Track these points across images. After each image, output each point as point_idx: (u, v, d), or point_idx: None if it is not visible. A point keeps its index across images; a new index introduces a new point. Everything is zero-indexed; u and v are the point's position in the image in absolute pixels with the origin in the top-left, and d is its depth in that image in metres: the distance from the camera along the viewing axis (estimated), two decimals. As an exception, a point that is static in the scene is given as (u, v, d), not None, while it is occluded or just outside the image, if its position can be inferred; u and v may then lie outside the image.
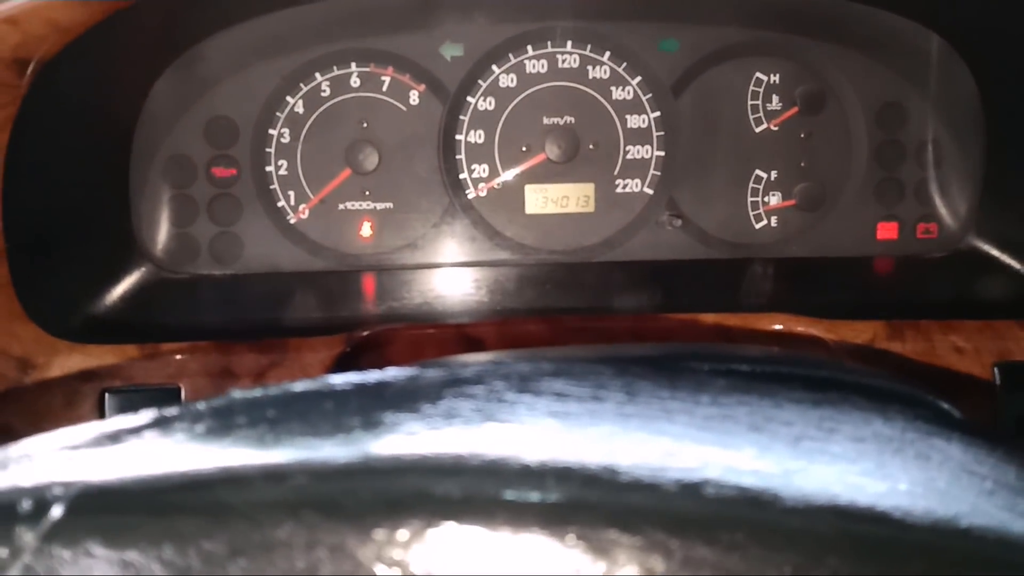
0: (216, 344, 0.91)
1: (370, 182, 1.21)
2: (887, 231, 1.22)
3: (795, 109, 1.21)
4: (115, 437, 0.38)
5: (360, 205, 1.21)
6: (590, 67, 1.21)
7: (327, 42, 1.18)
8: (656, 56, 1.21)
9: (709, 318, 0.99)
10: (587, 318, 1.05)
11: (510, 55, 1.21)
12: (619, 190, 1.23)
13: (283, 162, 1.20)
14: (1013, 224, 1.12)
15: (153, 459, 0.36)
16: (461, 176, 1.22)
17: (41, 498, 0.34)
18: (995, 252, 1.13)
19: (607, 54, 1.21)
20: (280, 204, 1.20)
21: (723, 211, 1.23)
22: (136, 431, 0.39)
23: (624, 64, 1.21)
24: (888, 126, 1.21)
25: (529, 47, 1.21)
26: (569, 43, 1.21)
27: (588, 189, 1.22)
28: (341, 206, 1.21)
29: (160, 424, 0.39)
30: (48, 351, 0.87)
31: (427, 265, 1.21)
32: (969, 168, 1.17)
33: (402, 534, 0.33)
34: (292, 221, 1.20)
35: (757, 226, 1.23)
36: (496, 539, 0.33)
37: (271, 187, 1.19)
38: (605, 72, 1.21)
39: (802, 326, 0.95)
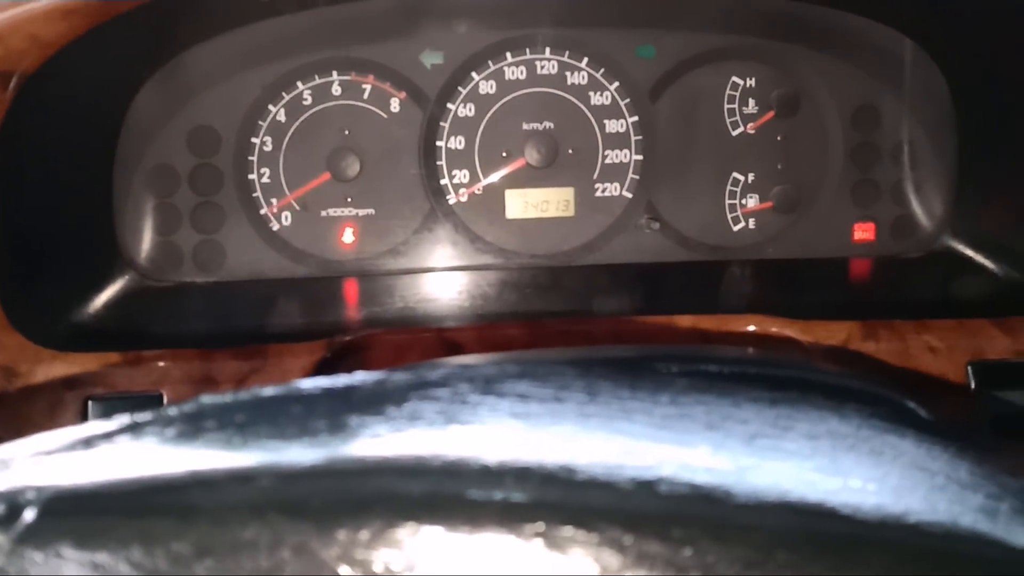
0: (198, 351, 0.92)
1: (352, 189, 1.22)
2: (863, 232, 1.23)
3: (771, 113, 1.23)
4: (88, 442, 0.39)
5: (342, 212, 1.22)
6: (568, 73, 1.22)
7: (308, 51, 1.20)
8: (633, 62, 1.22)
9: (687, 320, 1.00)
10: (567, 321, 1.06)
11: (489, 62, 1.22)
12: (598, 194, 1.24)
13: (265, 170, 1.21)
14: (987, 224, 1.14)
15: (124, 463, 0.37)
16: (442, 182, 1.23)
17: (14, 502, 0.35)
18: (970, 252, 1.14)
19: (585, 60, 1.22)
20: (263, 212, 1.21)
21: (701, 214, 1.24)
22: (108, 436, 0.40)
23: (602, 70, 1.22)
24: (863, 128, 1.23)
25: (508, 54, 1.22)
26: (547, 50, 1.22)
27: (568, 193, 1.24)
28: (323, 213, 1.22)
29: (132, 429, 0.40)
30: (32, 359, 0.87)
31: (409, 271, 1.22)
32: (944, 169, 1.19)
33: (365, 534, 0.34)
34: (275, 228, 1.21)
35: (735, 228, 1.24)
36: (457, 538, 0.35)
37: (254, 195, 1.20)
38: (583, 78, 1.23)
39: (777, 327, 0.96)
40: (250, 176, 1.20)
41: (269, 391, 0.43)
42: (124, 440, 0.39)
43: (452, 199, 1.23)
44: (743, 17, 1.21)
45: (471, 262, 1.23)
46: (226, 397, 0.42)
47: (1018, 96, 1.06)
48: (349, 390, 0.43)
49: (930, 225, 1.21)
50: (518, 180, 1.23)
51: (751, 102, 1.23)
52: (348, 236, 1.22)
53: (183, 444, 0.38)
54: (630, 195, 1.24)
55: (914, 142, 1.22)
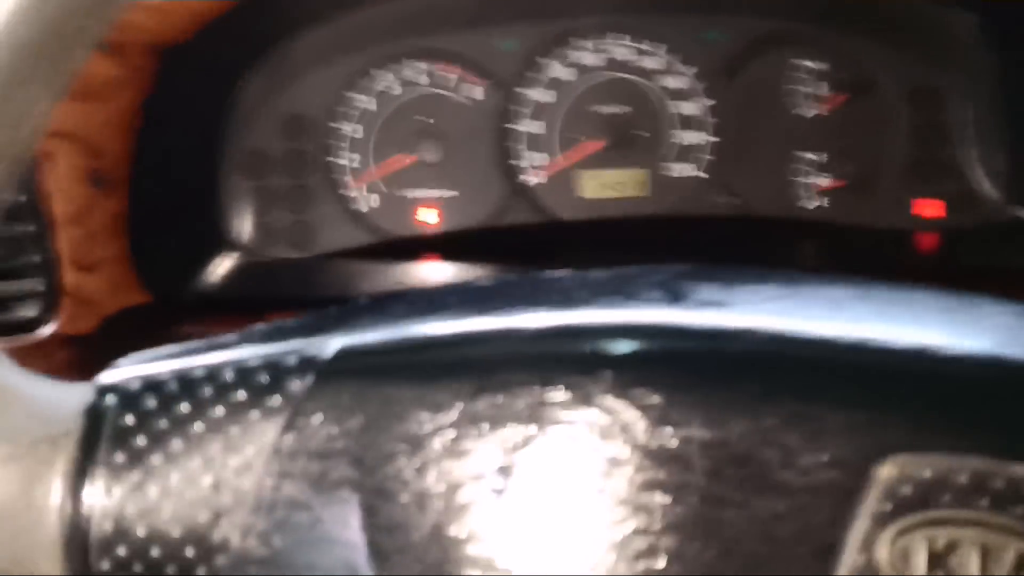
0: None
1: (435, 172, 1.27)
2: (930, 208, 1.27)
3: (840, 95, 1.27)
4: (345, 315, 0.44)
5: (426, 193, 1.27)
6: (643, 58, 1.27)
7: (392, 41, 1.25)
8: (707, 46, 1.27)
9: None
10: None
11: (565, 48, 1.27)
12: (673, 175, 1.28)
13: (354, 155, 1.26)
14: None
15: (391, 326, 0.42)
16: (520, 164, 1.28)
17: (305, 355, 0.40)
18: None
19: (659, 45, 1.27)
20: (351, 194, 1.26)
21: (773, 193, 1.28)
22: (362, 310, 0.44)
23: (676, 54, 1.27)
24: (928, 108, 1.27)
25: (583, 40, 1.27)
26: (622, 35, 1.27)
27: (642, 175, 1.28)
28: (409, 194, 1.27)
29: (380, 305, 0.45)
30: (160, 321, 0.92)
31: (490, 249, 1.27)
32: (1007, 144, 1.23)
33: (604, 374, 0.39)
34: (363, 210, 1.26)
35: (807, 207, 1.28)
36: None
37: (343, 178, 1.26)
38: (658, 63, 1.27)
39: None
40: (339, 161, 1.26)
41: (485, 281, 0.48)
42: (382, 311, 0.43)
43: (529, 180, 1.28)
44: (811, 1, 1.25)
45: (548, 241, 1.28)
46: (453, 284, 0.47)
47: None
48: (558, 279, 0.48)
49: (996, 199, 1.25)
50: (593, 162, 1.28)
51: (820, 84, 1.27)
52: (431, 216, 1.27)
53: (435, 313, 0.43)
54: (705, 175, 1.28)
55: (978, 120, 1.26)
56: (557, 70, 1.27)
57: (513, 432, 0.38)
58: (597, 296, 0.44)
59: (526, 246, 1.28)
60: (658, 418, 0.38)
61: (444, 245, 1.27)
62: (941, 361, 0.40)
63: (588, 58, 1.28)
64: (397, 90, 1.26)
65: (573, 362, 0.39)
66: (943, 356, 0.41)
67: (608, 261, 1.17)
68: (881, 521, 0.38)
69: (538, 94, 1.27)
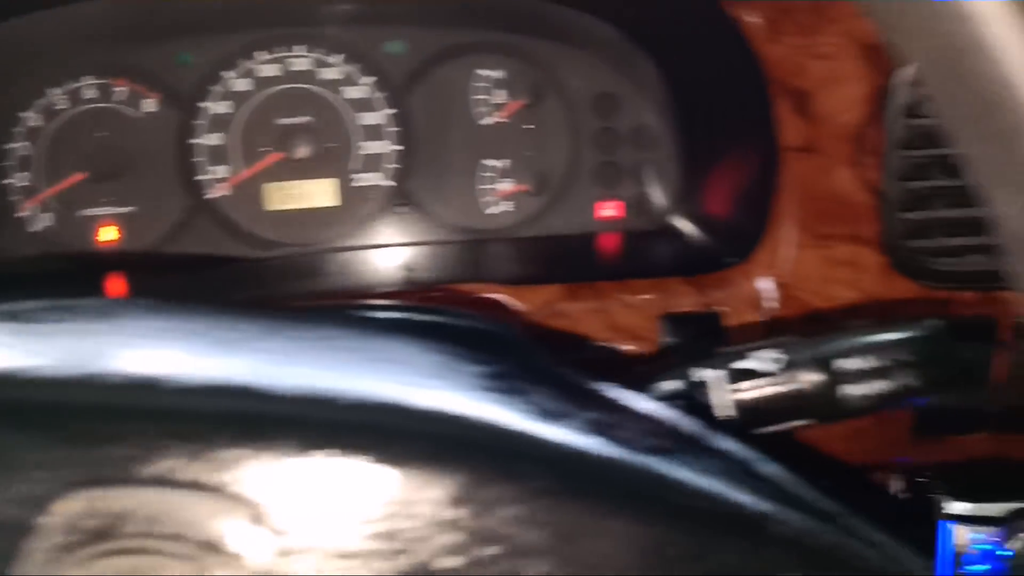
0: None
1: (111, 188, 1.25)
2: (607, 210, 1.31)
3: (519, 102, 1.30)
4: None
5: (103, 211, 1.25)
6: (323, 69, 1.28)
7: (61, 56, 1.23)
8: (386, 57, 1.29)
9: (418, 294, 1.06)
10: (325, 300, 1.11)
11: (243, 60, 1.27)
12: (360, 184, 1.29)
13: (24, 174, 1.23)
14: (702, 201, 1.23)
15: None
16: (201, 178, 1.27)
17: None
18: (687, 225, 1.24)
19: (338, 56, 1.28)
20: (23, 214, 1.23)
21: (458, 199, 1.30)
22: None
23: (355, 65, 1.28)
24: (604, 114, 1.31)
25: (261, 52, 1.27)
26: (301, 47, 1.27)
27: (328, 184, 1.29)
28: (85, 212, 1.25)
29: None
30: None
31: (173, 265, 1.26)
32: (671, 151, 1.28)
33: None
34: (36, 229, 1.24)
35: (491, 211, 1.31)
36: None
37: (13, 199, 1.23)
38: (338, 73, 1.28)
39: (492, 293, 1.03)
40: (9, 180, 1.23)
41: None
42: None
43: (212, 194, 1.27)
44: (487, 13, 1.28)
45: (234, 254, 1.27)
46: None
47: (721, 91, 1.15)
48: None
49: (661, 202, 1.30)
50: (278, 173, 1.28)
51: (500, 92, 1.30)
52: (110, 233, 1.25)
53: None
54: (390, 183, 1.30)
55: (646, 127, 1.30)
56: (236, 83, 1.27)
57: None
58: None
59: (209, 260, 1.27)
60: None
61: (125, 262, 1.25)
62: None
63: (268, 70, 1.27)
64: (65, 106, 1.23)
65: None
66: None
67: (294, 272, 1.17)
68: (63, 552, 0.38)
69: (217, 106, 1.27)
